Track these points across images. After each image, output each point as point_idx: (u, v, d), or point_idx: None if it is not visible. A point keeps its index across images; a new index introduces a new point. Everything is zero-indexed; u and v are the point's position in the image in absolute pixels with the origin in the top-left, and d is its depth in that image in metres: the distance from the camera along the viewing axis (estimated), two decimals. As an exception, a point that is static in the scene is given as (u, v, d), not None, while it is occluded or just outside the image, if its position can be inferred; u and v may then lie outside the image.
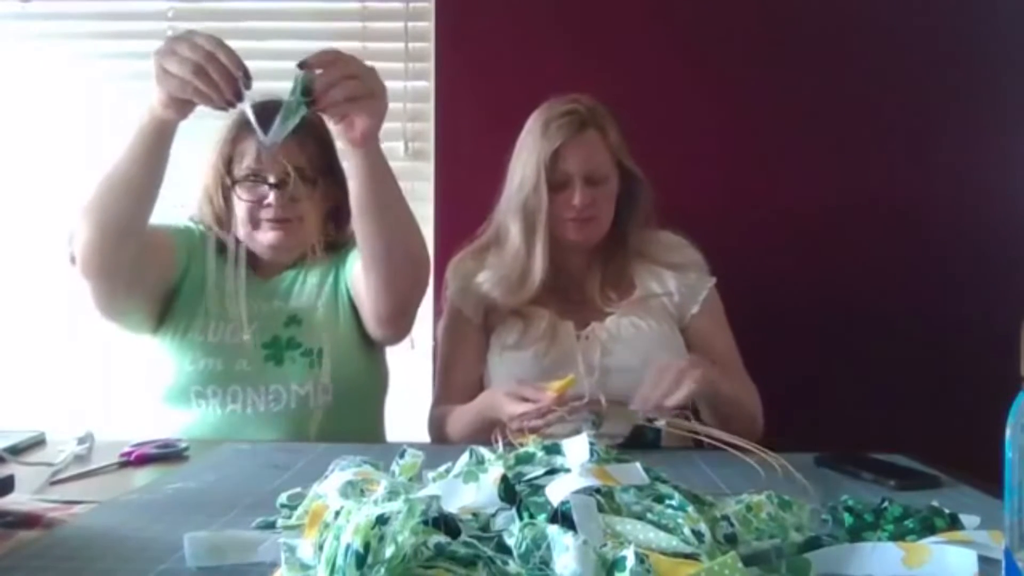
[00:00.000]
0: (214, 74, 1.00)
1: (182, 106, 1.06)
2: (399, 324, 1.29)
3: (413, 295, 1.26)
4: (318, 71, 1.04)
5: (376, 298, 1.23)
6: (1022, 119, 1.81)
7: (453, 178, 1.82)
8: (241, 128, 1.29)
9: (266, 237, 1.33)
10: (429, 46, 1.86)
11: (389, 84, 1.89)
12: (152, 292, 1.30)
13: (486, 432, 1.13)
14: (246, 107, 1.03)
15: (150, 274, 1.28)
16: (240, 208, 1.33)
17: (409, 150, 1.85)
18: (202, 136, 1.31)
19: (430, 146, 1.85)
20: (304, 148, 1.30)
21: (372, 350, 1.38)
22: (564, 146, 1.33)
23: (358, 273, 1.28)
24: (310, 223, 1.35)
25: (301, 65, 1.03)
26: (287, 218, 1.31)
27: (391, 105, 1.79)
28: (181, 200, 1.38)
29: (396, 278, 1.21)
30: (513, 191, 1.38)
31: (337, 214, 1.40)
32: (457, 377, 1.40)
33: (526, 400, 1.11)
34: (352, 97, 1.05)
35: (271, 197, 1.30)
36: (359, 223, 1.18)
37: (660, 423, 1.09)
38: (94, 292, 1.24)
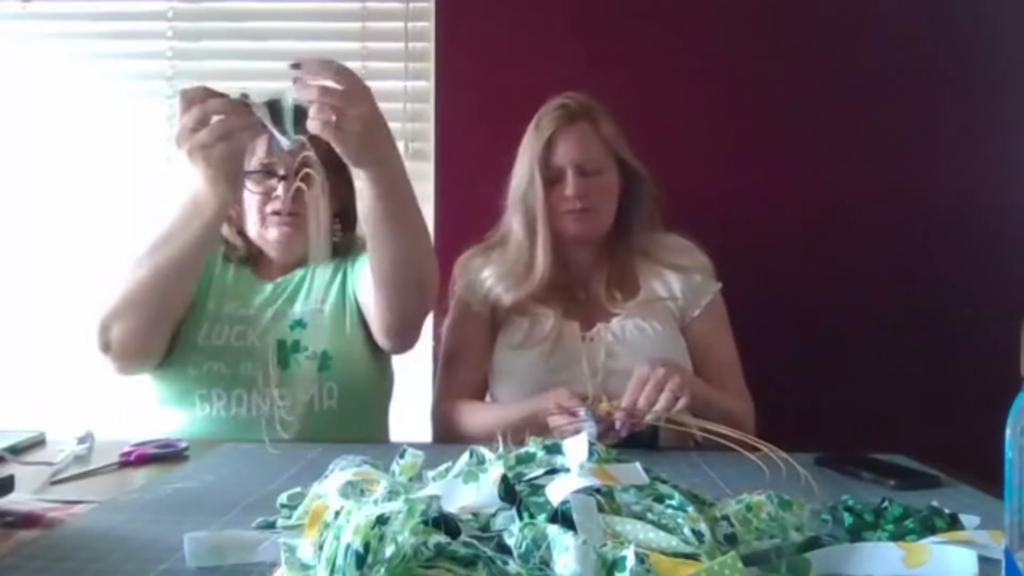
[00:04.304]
0: (220, 107, 1.02)
1: (230, 168, 1.07)
2: (404, 337, 1.29)
3: (417, 314, 1.26)
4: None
5: (380, 312, 1.23)
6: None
7: (453, 178, 1.82)
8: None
9: (273, 233, 1.32)
10: (429, 46, 1.86)
11: (389, 84, 1.92)
12: (171, 334, 1.28)
13: (521, 431, 1.13)
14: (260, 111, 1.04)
15: (174, 325, 1.26)
16: (250, 202, 1.32)
17: (409, 150, 1.85)
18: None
19: (430, 146, 1.85)
20: (316, 141, 1.30)
21: (378, 354, 1.37)
22: (554, 136, 1.36)
23: (366, 282, 1.28)
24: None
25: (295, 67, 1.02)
26: (294, 212, 1.30)
27: (391, 106, 1.84)
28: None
29: (400, 297, 1.20)
30: (513, 189, 1.41)
31: (344, 216, 1.40)
32: (462, 373, 1.40)
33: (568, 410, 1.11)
34: (326, 124, 1.00)
35: (280, 189, 1.30)
36: (368, 236, 1.17)
37: (659, 421, 1.08)
38: (124, 369, 1.23)
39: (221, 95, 1.05)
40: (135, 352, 1.20)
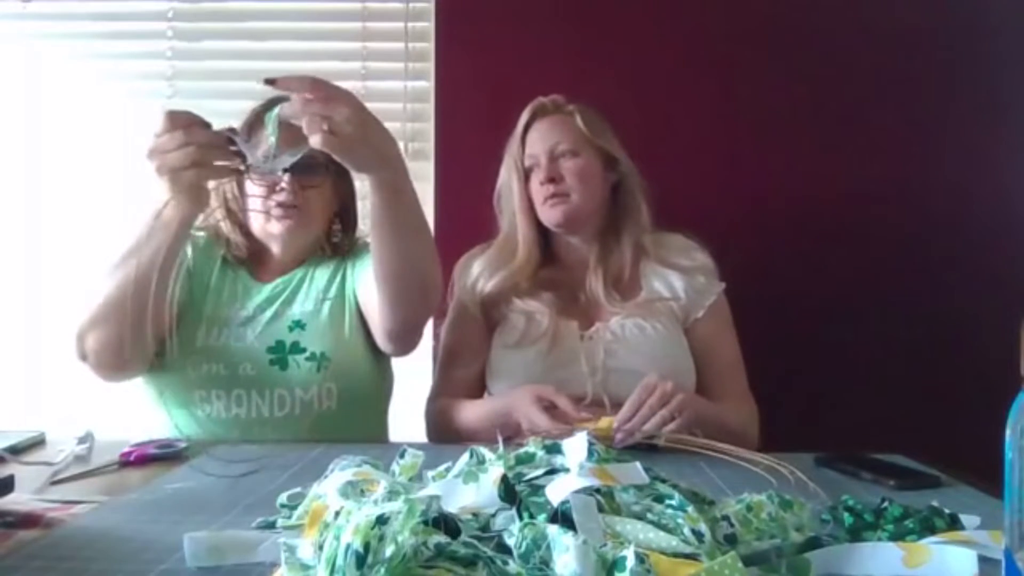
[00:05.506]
0: (203, 137, 1.02)
1: (197, 191, 1.07)
2: (405, 341, 1.29)
3: (420, 318, 1.26)
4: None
5: (383, 315, 1.23)
6: (1023, 118, 1.82)
7: (453, 178, 1.82)
8: (257, 118, 1.30)
9: (276, 226, 1.32)
10: (429, 46, 1.86)
11: (389, 84, 1.92)
12: (156, 342, 1.26)
13: (500, 428, 1.12)
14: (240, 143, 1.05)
15: (156, 334, 1.23)
16: (253, 194, 1.32)
17: (409, 150, 1.85)
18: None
19: (430, 146, 1.85)
20: None
21: (378, 355, 1.36)
22: (528, 129, 1.42)
23: (368, 283, 1.27)
24: (318, 214, 1.35)
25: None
26: (297, 204, 1.30)
27: (391, 106, 1.84)
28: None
29: (403, 300, 1.19)
30: (497, 189, 1.48)
31: (344, 216, 1.40)
32: (458, 371, 1.40)
33: (549, 408, 1.11)
34: (318, 132, 0.99)
35: (284, 181, 1.30)
36: (372, 238, 1.16)
37: (659, 440, 1.07)
38: (105, 377, 1.23)
39: (207, 125, 1.05)
40: (110, 362, 1.20)
